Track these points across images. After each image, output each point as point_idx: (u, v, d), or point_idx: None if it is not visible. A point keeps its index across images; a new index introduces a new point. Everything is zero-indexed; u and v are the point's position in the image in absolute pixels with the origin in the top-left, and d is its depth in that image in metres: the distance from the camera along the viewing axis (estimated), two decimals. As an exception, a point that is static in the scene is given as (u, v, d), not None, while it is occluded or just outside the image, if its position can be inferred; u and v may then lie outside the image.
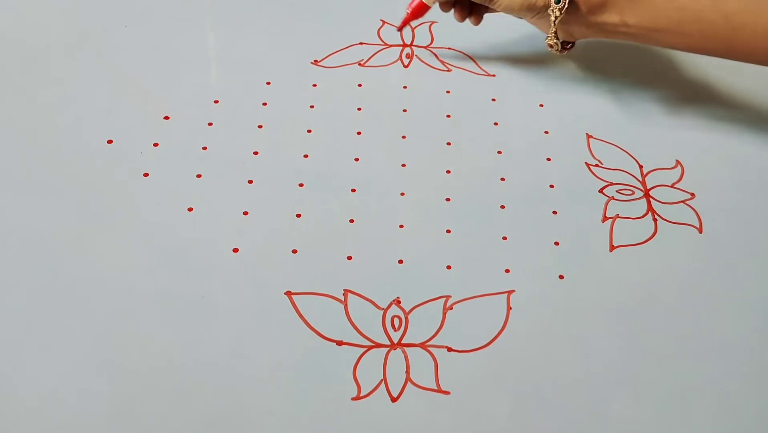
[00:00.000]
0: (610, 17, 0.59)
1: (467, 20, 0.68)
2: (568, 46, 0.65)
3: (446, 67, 0.73)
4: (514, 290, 0.57)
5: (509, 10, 0.62)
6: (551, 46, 0.63)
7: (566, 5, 0.60)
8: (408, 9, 0.67)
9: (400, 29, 0.69)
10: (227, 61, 0.58)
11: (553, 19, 0.60)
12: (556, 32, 0.62)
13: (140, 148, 0.63)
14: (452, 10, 0.68)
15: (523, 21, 0.68)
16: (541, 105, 0.70)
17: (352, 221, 0.61)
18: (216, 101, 0.63)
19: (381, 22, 0.76)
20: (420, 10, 0.67)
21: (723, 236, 0.62)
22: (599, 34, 0.61)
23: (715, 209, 0.64)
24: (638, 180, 0.66)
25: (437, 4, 0.67)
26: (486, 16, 0.70)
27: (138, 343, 0.52)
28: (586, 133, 0.68)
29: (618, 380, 0.54)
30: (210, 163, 0.62)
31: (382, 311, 0.55)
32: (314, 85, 0.69)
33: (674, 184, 0.66)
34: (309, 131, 0.66)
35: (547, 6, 0.61)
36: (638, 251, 0.61)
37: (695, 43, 0.59)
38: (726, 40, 0.56)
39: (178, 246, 0.57)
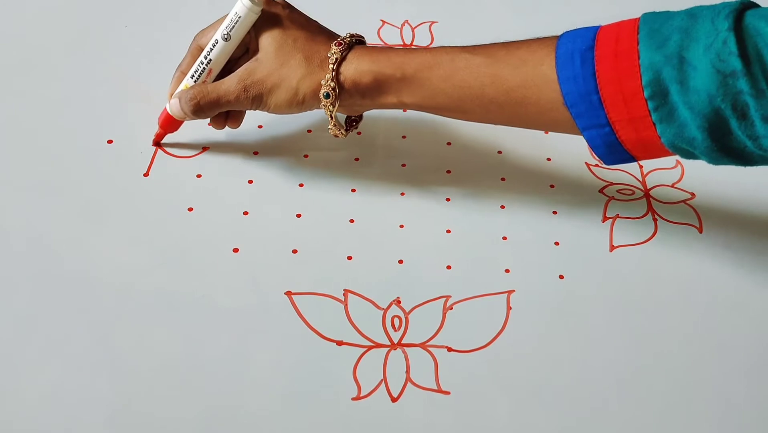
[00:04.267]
0: (387, 98, 0.55)
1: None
2: (354, 124, 0.60)
3: (446, 67, 0.73)
4: (514, 290, 0.57)
5: (279, 110, 0.57)
6: (335, 135, 0.58)
7: (337, 99, 0.55)
8: (158, 123, 0.61)
9: (155, 144, 0.62)
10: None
11: (328, 113, 0.56)
12: (335, 123, 0.57)
13: (140, 148, 0.63)
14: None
15: (523, 22, 0.68)
16: (541, 105, 0.70)
17: (352, 221, 0.61)
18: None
19: (381, 22, 0.76)
20: (170, 124, 0.61)
21: (723, 236, 0.62)
22: (383, 108, 0.58)
23: (715, 209, 0.64)
24: (638, 180, 0.66)
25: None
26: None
27: (138, 343, 0.52)
28: (586, 133, 0.68)
29: (618, 380, 0.54)
30: (210, 163, 0.62)
31: (382, 311, 0.55)
32: (314, 85, 0.69)
33: (674, 184, 0.66)
34: (309, 131, 0.66)
35: (315, 100, 0.55)
36: (638, 251, 0.61)
37: (481, 118, 0.56)
38: (510, 114, 0.54)
39: (178, 246, 0.57)
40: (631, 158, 0.51)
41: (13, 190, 0.59)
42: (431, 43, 0.75)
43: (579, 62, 0.48)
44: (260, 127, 0.65)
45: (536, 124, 0.55)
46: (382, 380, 0.52)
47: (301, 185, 0.62)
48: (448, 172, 0.65)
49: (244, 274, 0.56)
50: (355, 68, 0.55)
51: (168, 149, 0.63)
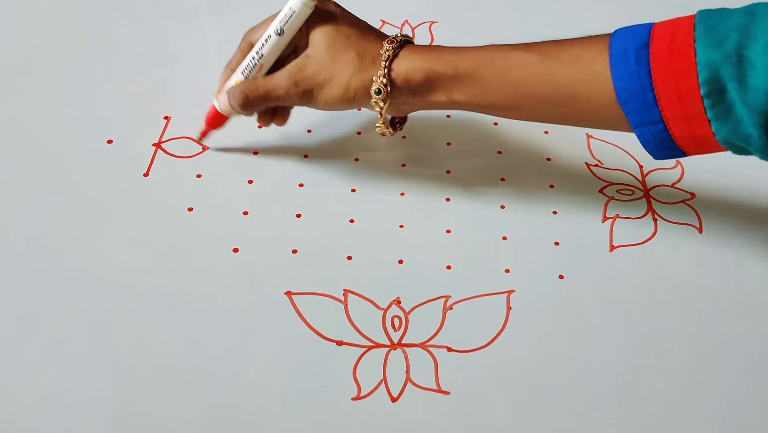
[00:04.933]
0: (437, 96, 0.55)
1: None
2: (399, 126, 0.60)
3: (446, 67, 0.73)
4: (514, 290, 0.57)
5: (329, 106, 0.57)
6: (383, 134, 0.58)
7: (388, 96, 0.55)
8: (205, 120, 0.61)
9: (199, 141, 0.63)
10: (227, 60, 0.59)
11: (378, 110, 0.56)
12: (384, 121, 0.57)
13: (140, 148, 0.63)
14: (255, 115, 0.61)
15: (523, 22, 0.68)
16: (541, 105, 0.70)
17: (352, 221, 0.61)
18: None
19: (381, 22, 0.76)
20: (217, 120, 0.61)
21: (723, 236, 0.62)
22: (431, 108, 0.58)
23: (715, 209, 0.64)
24: (638, 180, 0.66)
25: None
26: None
27: (138, 343, 0.52)
28: (586, 134, 0.68)
29: (618, 380, 0.54)
30: (210, 163, 0.62)
31: (382, 311, 0.55)
32: (314, 85, 0.69)
33: (674, 184, 0.66)
34: (309, 131, 0.66)
35: (366, 96, 0.55)
36: (638, 251, 0.61)
37: (531, 115, 0.57)
38: (562, 111, 0.54)
39: (178, 246, 0.57)
40: (682, 153, 0.51)
41: (13, 190, 0.59)
42: (431, 43, 0.75)
43: (633, 59, 0.48)
44: (260, 127, 0.64)
45: (587, 122, 0.55)
46: (382, 380, 0.52)
47: (301, 185, 0.62)
48: (448, 172, 0.65)
49: (244, 274, 0.56)
50: (407, 65, 0.55)
51: (168, 149, 0.63)
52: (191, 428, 0.49)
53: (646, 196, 0.65)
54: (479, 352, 0.54)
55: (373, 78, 0.55)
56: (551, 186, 0.64)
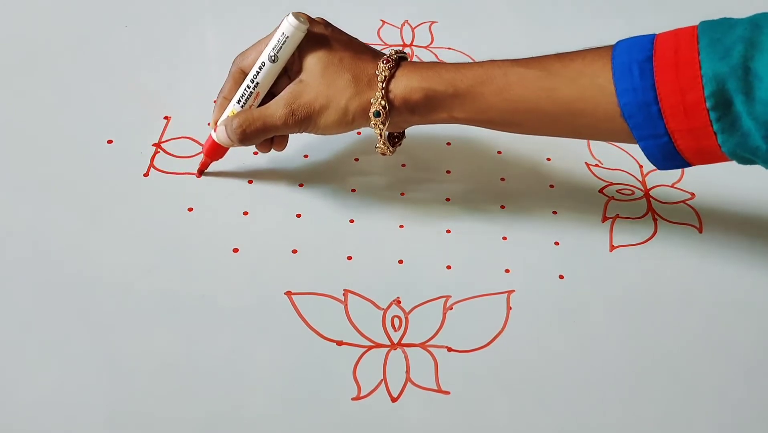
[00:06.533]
0: (438, 114, 0.55)
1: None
2: (398, 142, 0.59)
3: (446, 67, 0.73)
4: (514, 290, 0.57)
5: (328, 131, 0.56)
6: (383, 153, 0.57)
7: (387, 117, 0.54)
8: (204, 151, 0.60)
9: (199, 174, 0.62)
10: (227, 60, 0.59)
11: (378, 133, 0.55)
12: (384, 141, 0.56)
13: (140, 148, 0.63)
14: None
15: (523, 22, 0.68)
16: (541, 105, 0.70)
17: (352, 221, 0.61)
18: (216, 101, 0.63)
19: (381, 22, 0.76)
20: (216, 152, 0.59)
21: (723, 236, 0.62)
22: (432, 124, 0.57)
23: (715, 209, 0.64)
24: (638, 180, 0.66)
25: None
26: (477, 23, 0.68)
27: (138, 343, 0.52)
28: (586, 133, 0.68)
29: (618, 380, 0.54)
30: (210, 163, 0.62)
31: (382, 311, 0.55)
32: (314, 85, 0.69)
33: (674, 184, 0.66)
34: (309, 131, 0.66)
35: (365, 119, 0.54)
36: (638, 251, 0.61)
37: (532, 130, 0.56)
38: (564, 126, 0.54)
39: (178, 246, 0.57)
40: (687, 164, 0.50)
41: (13, 190, 0.59)
42: (431, 43, 0.75)
43: (637, 73, 0.48)
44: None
45: (589, 135, 0.55)
46: (382, 380, 0.52)
47: (301, 185, 0.62)
48: (448, 172, 0.65)
49: (244, 274, 0.56)
50: (405, 85, 0.54)
51: (168, 149, 0.63)
52: (191, 427, 0.49)
53: (646, 196, 0.65)
54: (479, 352, 0.54)
55: (371, 100, 0.54)
56: (551, 186, 0.64)
